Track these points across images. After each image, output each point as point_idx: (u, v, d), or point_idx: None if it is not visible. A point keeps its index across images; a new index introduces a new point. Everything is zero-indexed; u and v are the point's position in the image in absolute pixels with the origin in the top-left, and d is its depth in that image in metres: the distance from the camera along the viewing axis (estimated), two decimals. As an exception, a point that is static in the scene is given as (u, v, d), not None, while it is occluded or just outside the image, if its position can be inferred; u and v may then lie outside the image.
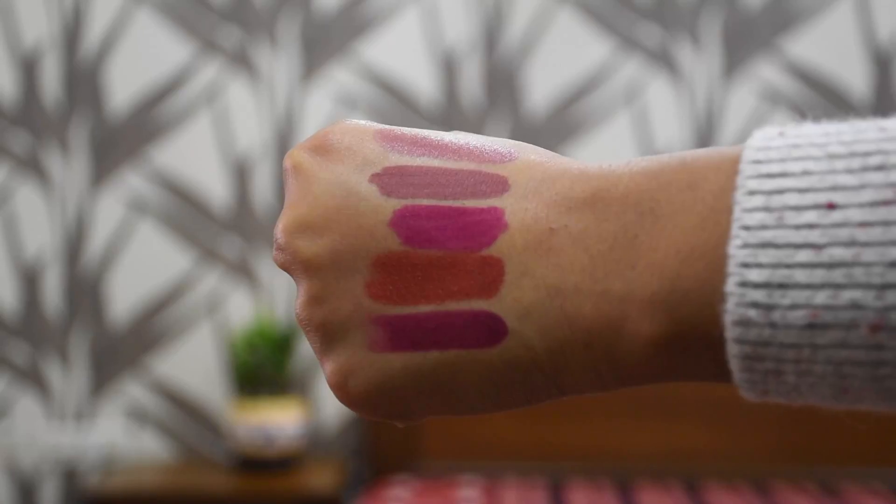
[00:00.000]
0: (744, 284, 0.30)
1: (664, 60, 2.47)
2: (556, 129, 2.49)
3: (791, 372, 0.30)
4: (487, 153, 0.37)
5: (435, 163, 0.37)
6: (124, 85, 2.52)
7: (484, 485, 2.27)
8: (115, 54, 2.52)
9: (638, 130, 2.48)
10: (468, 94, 2.50)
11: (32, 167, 2.53)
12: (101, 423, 2.52)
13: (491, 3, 2.50)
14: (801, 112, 2.46)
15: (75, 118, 2.52)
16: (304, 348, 2.52)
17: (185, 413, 2.52)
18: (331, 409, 2.51)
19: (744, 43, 2.47)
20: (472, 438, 2.38)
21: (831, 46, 2.46)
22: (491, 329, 0.35)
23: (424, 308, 0.36)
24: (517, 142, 0.37)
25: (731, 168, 0.32)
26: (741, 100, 2.47)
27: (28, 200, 2.53)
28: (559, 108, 2.49)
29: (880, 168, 0.29)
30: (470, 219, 0.35)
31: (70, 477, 2.53)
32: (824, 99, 2.46)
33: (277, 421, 2.33)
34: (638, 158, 0.35)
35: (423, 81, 2.50)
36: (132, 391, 2.52)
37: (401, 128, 0.39)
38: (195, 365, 2.52)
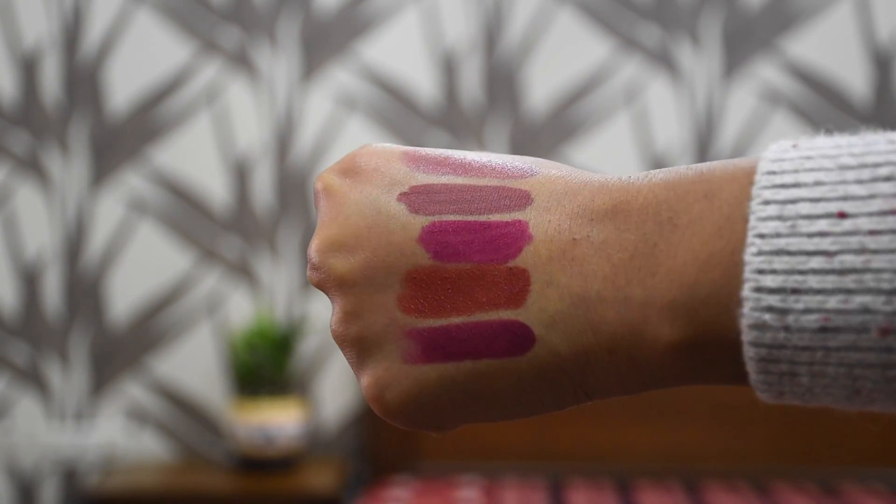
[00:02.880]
0: (759, 290, 0.31)
1: (664, 60, 2.47)
2: (556, 129, 2.49)
3: (805, 374, 0.32)
4: (509, 169, 0.39)
5: (459, 180, 0.39)
6: (124, 85, 2.52)
7: (484, 485, 2.27)
8: (115, 54, 2.52)
9: (638, 131, 2.48)
10: (468, 94, 2.50)
11: (32, 167, 2.53)
12: (101, 423, 2.52)
13: (491, 3, 2.49)
14: (802, 112, 2.46)
15: (75, 118, 2.52)
16: (304, 348, 2.52)
17: (184, 413, 2.52)
18: (331, 409, 2.51)
19: (744, 43, 2.47)
20: (472, 439, 2.38)
21: (831, 46, 2.46)
22: (520, 338, 0.37)
23: (455, 319, 0.37)
24: (537, 158, 0.39)
25: (746, 179, 0.33)
26: (741, 100, 2.47)
27: (28, 200, 2.53)
28: (559, 109, 2.49)
29: (889, 178, 0.31)
30: (495, 232, 0.37)
31: (70, 477, 2.53)
32: (824, 99, 2.46)
33: (277, 421, 2.33)
34: (656, 171, 0.36)
35: (423, 81, 2.50)
36: (132, 391, 2.52)
37: (425, 148, 0.41)
38: (195, 365, 2.52)
